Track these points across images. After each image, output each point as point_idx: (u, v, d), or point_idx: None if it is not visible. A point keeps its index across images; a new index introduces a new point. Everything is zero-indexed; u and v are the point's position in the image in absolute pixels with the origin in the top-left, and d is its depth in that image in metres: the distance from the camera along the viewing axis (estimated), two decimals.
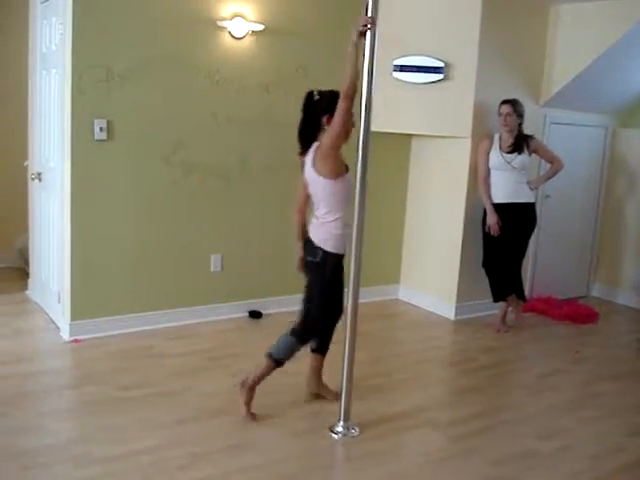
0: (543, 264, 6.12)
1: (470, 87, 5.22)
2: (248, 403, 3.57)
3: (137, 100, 4.56)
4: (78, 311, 4.56)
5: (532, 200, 5.28)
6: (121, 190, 4.61)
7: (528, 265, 5.89)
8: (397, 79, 5.19)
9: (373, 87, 3.21)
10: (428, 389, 4.19)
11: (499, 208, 5.19)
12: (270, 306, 5.38)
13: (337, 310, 3.66)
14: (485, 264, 5.37)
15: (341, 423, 3.49)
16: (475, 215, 5.39)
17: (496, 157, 5.18)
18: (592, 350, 5.09)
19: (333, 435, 3.46)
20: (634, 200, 6.32)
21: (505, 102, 5.11)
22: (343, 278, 3.62)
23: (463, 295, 5.58)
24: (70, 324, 4.55)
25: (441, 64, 5.16)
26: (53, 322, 4.86)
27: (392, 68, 5.19)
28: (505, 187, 5.19)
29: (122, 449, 3.18)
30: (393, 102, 5.17)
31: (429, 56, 5.17)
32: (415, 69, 5.17)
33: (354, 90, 3.19)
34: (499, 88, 5.32)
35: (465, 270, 5.52)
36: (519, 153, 5.12)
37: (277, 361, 3.56)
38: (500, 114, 5.11)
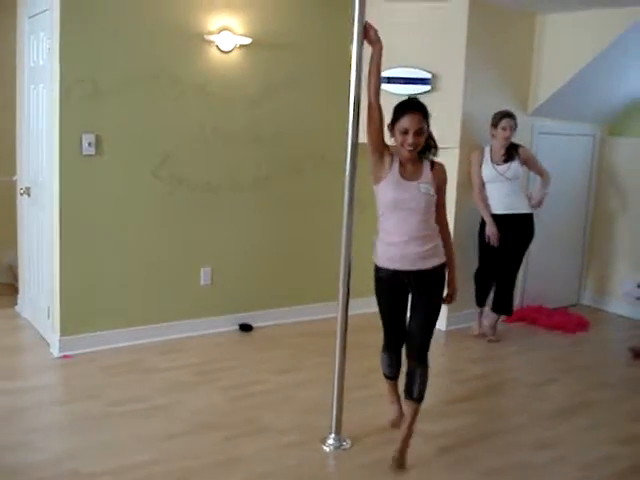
0: (533, 273, 6.12)
1: (458, 98, 5.23)
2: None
3: (125, 114, 4.55)
4: (68, 326, 4.53)
5: (530, 210, 5.28)
6: (110, 205, 4.60)
7: (519, 274, 5.88)
8: (385, 91, 5.18)
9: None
10: None
11: (497, 220, 5.18)
12: (260, 319, 5.36)
13: (396, 335, 3.46)
14: (479, 274, 5.37)
15: (332, 435, 3.48)
16: (464, 226, 5.37)
17: (489, 170, 5.18)
18: (583, 359, 5.09)
19: (324, 448, 3.44)
20: (623, 208, 6.35)
21: (506, 116, 5.05)
22: (400, 301, 3.43)
23: (453, 306, 5.53)
24: (60, 340, 4.52)
25: (428, 75, 5.18)
26: (43, 338, 4.83)
27: None
28: (501, 199, 5.18)
29: (112, 465, 3.16)
30: None
31: (416, 68, 5.19)
32: (402, 81, 5.17)
33: (372, 101, 3.30)
34: (487, 98, 5.34)
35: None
36: (511, 162, 5.13)
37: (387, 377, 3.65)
38: (504, 128, 5.05)
